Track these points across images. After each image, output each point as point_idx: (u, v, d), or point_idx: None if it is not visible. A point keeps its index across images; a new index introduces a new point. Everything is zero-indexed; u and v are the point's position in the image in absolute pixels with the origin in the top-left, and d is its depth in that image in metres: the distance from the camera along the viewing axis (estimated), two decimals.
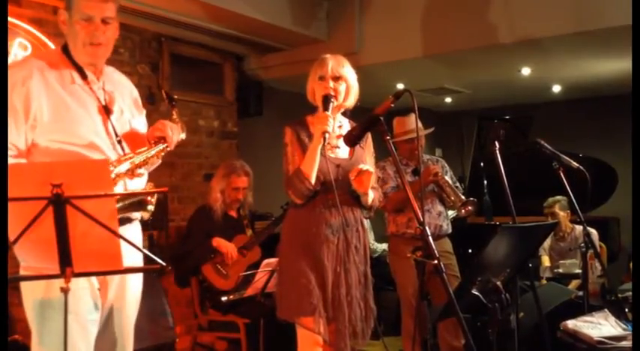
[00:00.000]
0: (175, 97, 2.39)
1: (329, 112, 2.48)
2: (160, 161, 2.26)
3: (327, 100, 2.52)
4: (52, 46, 4.11)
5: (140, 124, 2.32)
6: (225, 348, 4.40)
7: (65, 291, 1.72)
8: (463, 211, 3.81)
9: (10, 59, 3.90)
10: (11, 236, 1.68)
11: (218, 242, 3.95)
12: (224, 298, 3.82)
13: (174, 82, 5.27)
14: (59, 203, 1.64)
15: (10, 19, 3.89)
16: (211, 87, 5.76)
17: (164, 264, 1.78)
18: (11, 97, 2.00)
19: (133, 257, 1.92)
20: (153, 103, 4.81)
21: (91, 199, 1.67)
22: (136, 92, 2.37)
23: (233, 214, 4.18)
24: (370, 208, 2.69)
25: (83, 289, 2.04)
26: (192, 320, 4.32)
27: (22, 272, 1.96)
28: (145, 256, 1.86)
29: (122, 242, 1.73)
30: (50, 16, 4.23)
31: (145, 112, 2.39)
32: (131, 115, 2.28)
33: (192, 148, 5.47)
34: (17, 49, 3.98)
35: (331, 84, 2.55)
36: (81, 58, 2.13)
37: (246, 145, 5.99)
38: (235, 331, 3.86)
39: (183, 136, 2.29)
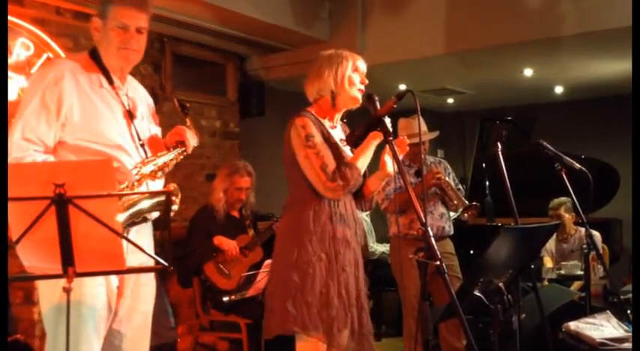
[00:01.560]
0: (188, 104, 2.43)
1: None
2: (173, 166, 2.33)
3: (372, 99, 2.36)
4: (54, 45, 4.12)
5: (157, 131, 2.42)
6: (226, 348, 4.40)
7: (67, 291, 1.72)
8: (466, 214, 3.82)
9: (13, 59, 3.90)
10: (14, 236, 1.69)
11: (219, 240, 3.96)
12: (226, 299, 3.82)
13: (176, 82, 5.28)
14: (62, 203, 1.64)
15: (12, 18, 3.89)
16: (213, 87, 5.76)
17: (167, 264, 1.79)
18: (44, 96, 2.07)
19: (142, 257, 1.99)
20: (155, 104, 4.81)
21: (94, 199, 1.67)
22: (151, 100, 2.46)
23: (235, 214, 4.19)
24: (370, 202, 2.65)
25: (100, 285, 2.08)
26: (193, 320, 4.32)
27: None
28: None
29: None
30: (53, 16, 4.23)
31: (158, 118, 2.47)
32: (149, 122, 2.38)
33: (194, 148, 5.45)
34: (20, 49, 3.97)
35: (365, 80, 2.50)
36: (113, 62, 2.22)
37: (248, 145, 5.99)
38: (237, 331, 3.86)
39: (197, 142, 2.38)
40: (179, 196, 2.18)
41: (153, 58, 5.10)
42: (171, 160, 2.27)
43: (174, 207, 2.16)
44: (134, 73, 2.40)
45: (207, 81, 5.72)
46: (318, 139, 2.39)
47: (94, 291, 2.06)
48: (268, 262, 3.59)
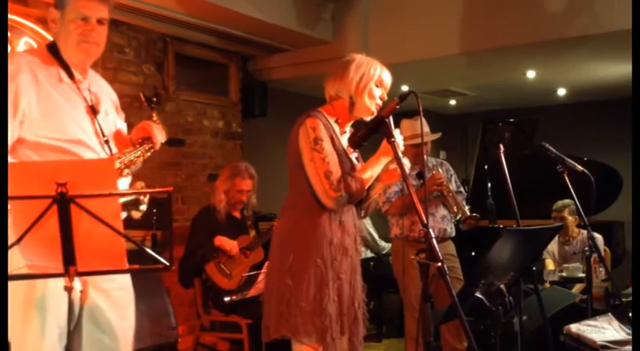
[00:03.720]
0: (155, 99, 2.35)
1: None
2: (140, 164, 2.24)
3: (382, 123, 2.23)
4: None
5: (122, 126, 2.32)
6: (227, 348, 4.40)
7: (69, 290, 1.72)
8: (465, 224, 3.81)
9: None
10: (16, 234, 1.68)
11: (220, 240, 3.97)
12: (227, 299, 3.82)
13: (179, 82, 5.28)
14: (63, 202, 1.64)
15: (16, 18, 3.89)
16: (216, 87, 5.77)
17: (167, 263, 1.78)
18: None
19: None
20: (158, 104, 4.82)
21: (96, 198, 1.67)
22: (115, 96, 2.36)
23: (237, 214, 4.19)
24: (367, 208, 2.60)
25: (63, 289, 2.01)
26: (194, 320, 4.32)
27: (27, 271, 1.96)
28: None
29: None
30: None
31: (124, 115, 2.38)
32: (114, 117, 2.29)
33: (196, 148, 5.47)
34: (23, 48, 3.98)
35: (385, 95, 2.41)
36: (73, 56, 2.13)
37: (250, 145, 6.00)
38: (238, 331, 3.86)
39: (164, 137, 2.28)
40: (147, 196, 2.08)
41: (156, 58, 5.11)
42: (138, 157, 2.17)
43: (143, 207, 2.07)
44: (137, 73, 2.38)
45: (210, 81, 5.72)
46: (326, 143, 2.30)
47: (59, 294, 1.92)
48: None
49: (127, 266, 1.80)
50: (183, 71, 5.35)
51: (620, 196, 5.53)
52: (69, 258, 1.70)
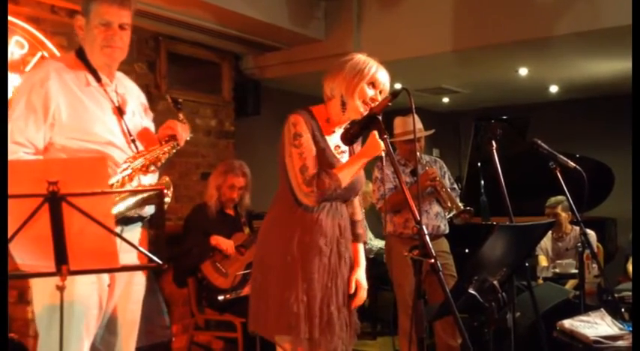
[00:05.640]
0: (180, 100, 2.44)
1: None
2: (165, 161, 2.31)
3: (374, 120, 2.21)
4: (49, 44, 4.11)
5: (149, 126, 2.42)
6: (221, 347, 4.40)
7: (61, 289, 1.72)
8: (459, 218, 3.82)
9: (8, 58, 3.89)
10: (7, 233, 1.68)
11: (217, 240, 3.96)
12: (221, 297, 3.82)
13: (171, 81, 5.27)
14: (55, 201, 1.64)
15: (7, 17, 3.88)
16: (209, 86, 5.75)
17: (161, 262, 1.78)
18: (30, 98, 2.08)
19: (131, 256, 2.00)
20: (150, 102, 4.80)
21: (88, 197, 1.67)
22: (144, 98, 2.47)
23: (230, 212, 4.18)
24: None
25: (92, 284, 2.09)
26: (188, 319, 4.32)
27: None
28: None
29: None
30: (48, 15, 4.22)
31: (152, 116, 2.48)
32: (141, 118, 2.38)
33: (189, 147, 5.41)
34: (14, 48, 3.96)
35: (378, 96, 2.33)
36: (98, 60, 2.22)
37: (243, 144, 5.98)
38: (232, 330, 3.85)
39: (189, 135, 2.39)
40: (171, 189, 2.19)
41: (148, 57, 5.09)
42: (163, 153, 2.26)
43: (167, 200, 2.14)
44: (128, 72, 2.40)
45: (203, 80, 5.70)
46: (305, 139, 2.29)
47: (86, 290, 2.06)
48: None
49: (119, 265, 1.79)
50: (176, 70, 5.33)
51: (612, 193, 5.55)
52: (61, 257, 1.69)
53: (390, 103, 2.20)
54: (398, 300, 3.86)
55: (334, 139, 2.40)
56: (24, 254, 1.79)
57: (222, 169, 4.16)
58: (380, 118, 2.20)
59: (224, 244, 3.96)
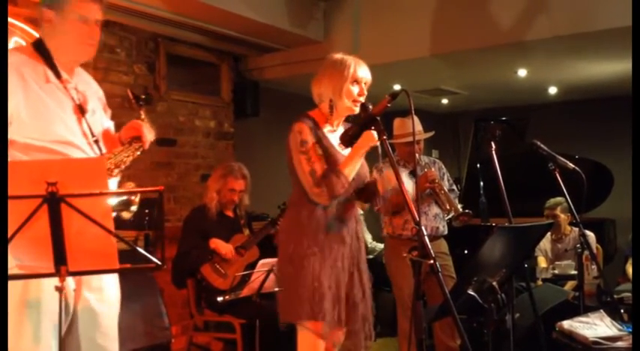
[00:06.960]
0: (143, 97, 2.34)
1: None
2: (130, 164, 2.22)
3: (367, 109, 2.41)
4: None
5: (108, 124, 2.32)
6: (221, 348, 4.39)
7: (60, 290, 1.72)
8: (458, 221, 3.82)
9: None
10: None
11: (216, 243, 3.96)
12: (220, 299, 3.81)
13: (170, 82, 5.27)
14: (54, 201, 1.64)
15: None
16: (208, 87, 5.76)
17: (159, 263, 1.78)
18: None
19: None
20: (150, 103, 4.81)
21: (87, 198, 1.67)
22: (101, 93, 2.35)
23: (229, 213, 4.18)
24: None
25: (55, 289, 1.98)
26: (188, 320, 4.31)
27: (17, 271, 1.94)
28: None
29: None
30: None
31: (110, 112, 2.37)
32: (100, 116, 2.27)
33: (188, 148, 5.46)
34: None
35: (364, 89, 2.52)
36: (68, 55, 2.13)
37: (242, 145, 5.99)
38: (231, 331, 3.85)
39: (154, 136, 2.27)
40: (138, 196, 2.10)
41: (147, 58, 5.09)
42: (127, 156, 2.17)
43: (133, 207, 2.09)
44: (128, 73, 2.37)
45: (202, 81, 5.71)
46: (311, 144, 2.49)
47: (53, 294, 1.88)
48: (263, 261, 3.60)
49: (118, 266, 1.79)
50: (175, 71, 5.34)
51: (611, 194, 5.55)
52: (60, 258, 1.69)
53: (389, 105, 2.21)
54: (397, 301, 3.86)
55: (336, 137, 2.54)
56: (23, 255, 1.79)
57: (221, 173, 4.14)
58: (379, 119, 2.23)
59: (223, 248, 3.95)
